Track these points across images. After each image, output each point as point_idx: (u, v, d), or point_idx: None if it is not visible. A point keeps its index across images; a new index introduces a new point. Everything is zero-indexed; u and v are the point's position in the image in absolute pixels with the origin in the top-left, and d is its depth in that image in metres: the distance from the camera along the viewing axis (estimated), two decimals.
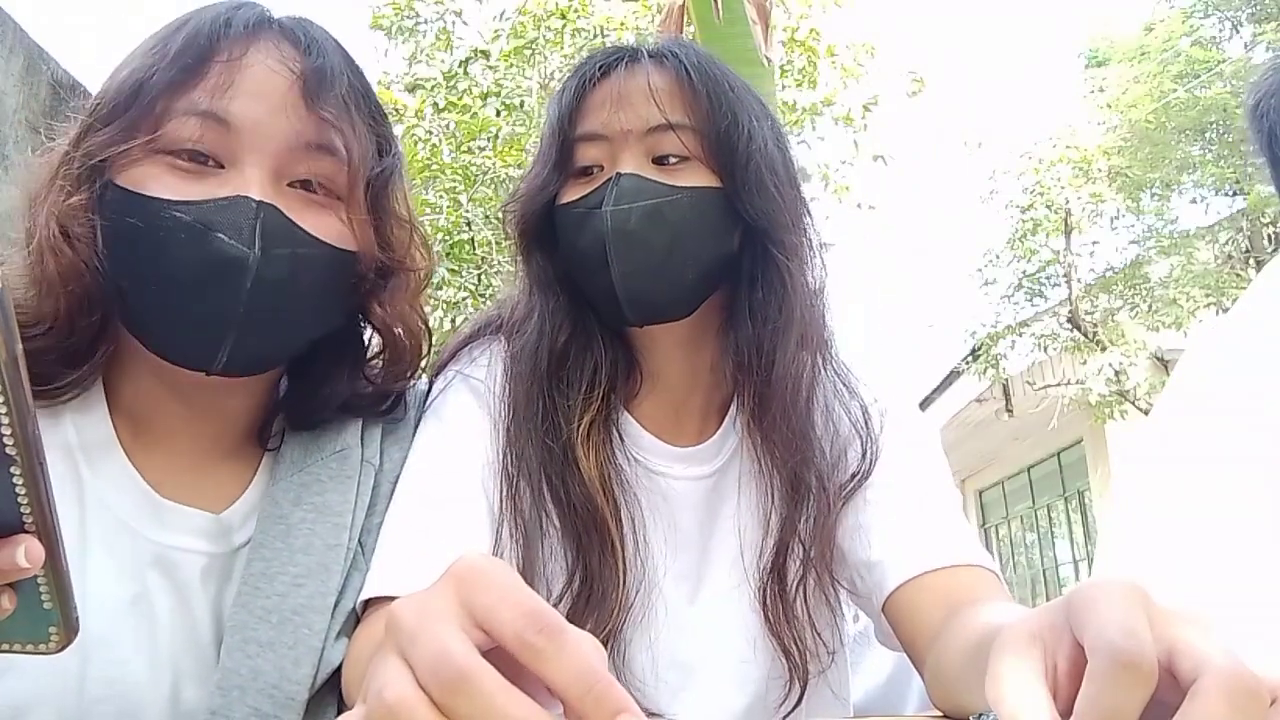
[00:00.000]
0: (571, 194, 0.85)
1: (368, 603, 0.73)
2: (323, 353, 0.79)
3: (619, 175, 0.82)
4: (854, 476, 0.85)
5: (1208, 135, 9.94)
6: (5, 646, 0.46)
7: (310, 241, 0.70)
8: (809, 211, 0.91)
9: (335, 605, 0.71)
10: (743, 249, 0.87)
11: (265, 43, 0.72)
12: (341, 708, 0.71)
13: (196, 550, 0.72)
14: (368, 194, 0.75)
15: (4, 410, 0.40)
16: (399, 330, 0.80)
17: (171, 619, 0.71)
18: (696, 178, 0.83)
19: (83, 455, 0.71)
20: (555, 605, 0.80)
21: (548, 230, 0.87)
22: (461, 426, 0.84)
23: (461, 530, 0.78)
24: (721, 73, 0.87)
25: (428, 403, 0.87)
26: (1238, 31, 10.24)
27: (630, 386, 0.90)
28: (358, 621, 0.74)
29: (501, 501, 0.83)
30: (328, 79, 0.72)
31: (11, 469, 0.41)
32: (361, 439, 0.80)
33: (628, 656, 0.84)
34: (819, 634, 0.87)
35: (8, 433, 0.40)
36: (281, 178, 0.70)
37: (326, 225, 0.71)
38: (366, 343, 0.82)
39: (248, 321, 0.67)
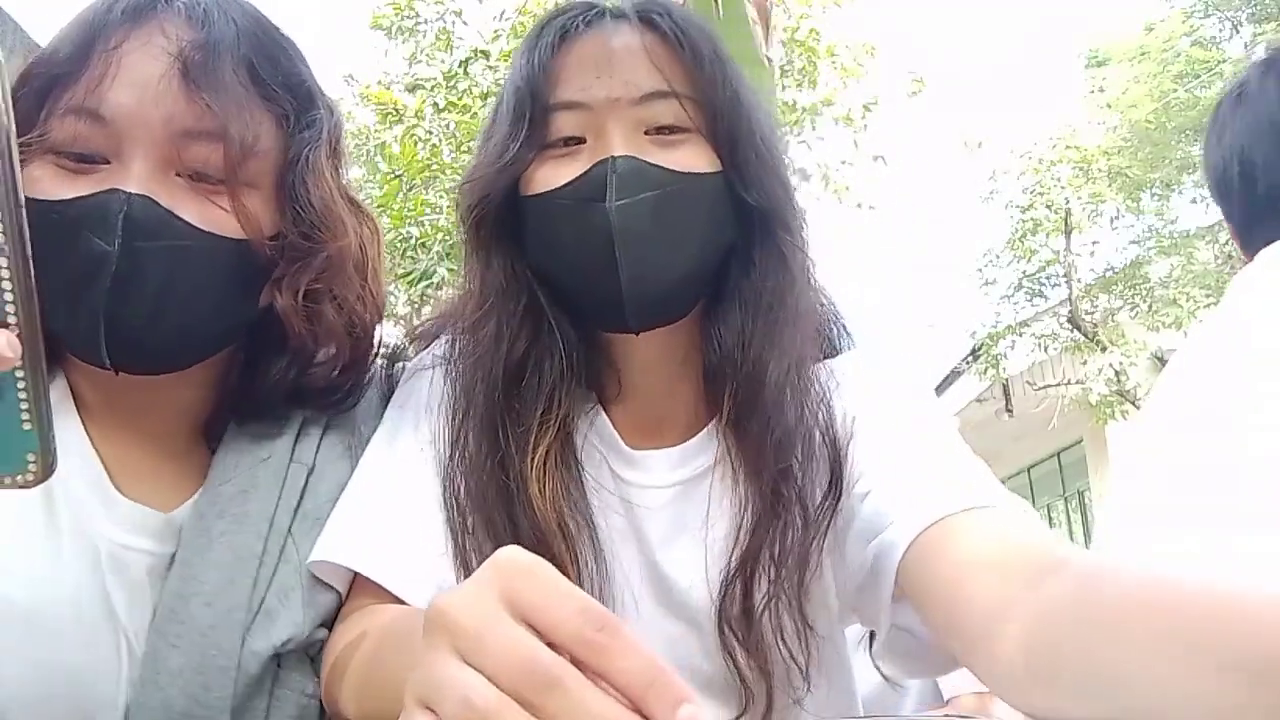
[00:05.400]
0: (550, 178, 0.73)
1: (351, 589, 0.72)
2: (262, 343, 0.76)
3: (614, 160, 0.71)
4: (825, 498, 0.76)
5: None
6: None
7: (191, 233, 0.66)
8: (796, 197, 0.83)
9: (256, 611, 0.69)
10: (741, 238, 0.78)
11: (150, 24, 0.68)
12: (274, 704, 0.70)
13: (143, 550, 0.70)
14: (282, 174, 0.72)
15: None
16: (313, 318, 0.74)
17: (129, 617, 0.69)
18: (696, 158, 0.74)
19: None
20: None
21: (510, 219, 0.76)
22: (422, 420, 0.79)
23: (420, 510, 0.75)
24: (719, 41, 0.77)
25: (395, 400, 0.83)
26: (1238, 31, 10.23)
27: (605, 390, 0.81)
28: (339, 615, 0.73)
29: (452, 532, 0.75)
30: (213, 56, 0.68)
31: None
32: (296, 439, 0.77)
33: None
34: (791, 658, 0.76)
35: None
36: (168, 167, 0.67)
37: (214, 215, 0.68)
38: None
39: (117, 317, 0.64)
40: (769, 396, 0.75)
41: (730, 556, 0.77)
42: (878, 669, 0.81)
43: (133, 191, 0.65)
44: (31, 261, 0.41)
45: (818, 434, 0.77)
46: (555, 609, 0.34)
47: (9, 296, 0.41)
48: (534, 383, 0.75)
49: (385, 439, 0.79)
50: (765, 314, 0.76)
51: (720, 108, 0.74)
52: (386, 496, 0.75)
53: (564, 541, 0.74)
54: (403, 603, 0.70)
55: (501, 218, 0.76)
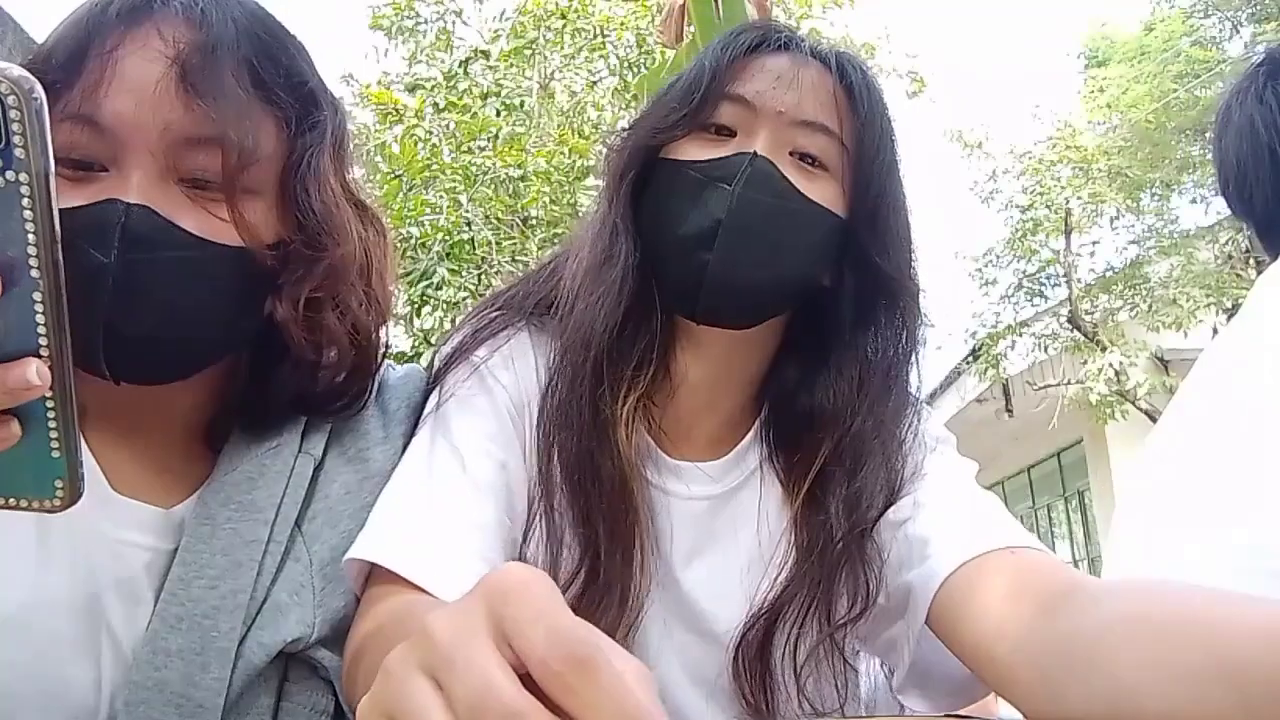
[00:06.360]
0: (694, 152, 0.77)
1: (369, 579, 0.71)
2: (265, 350, 0.75)
3: (756, 155, 0.74)
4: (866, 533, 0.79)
5: (1208, 135, 9.89)
6: (12, 502, 0.45)
7: (190, 243, 0.65)
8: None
9: (264, 601, 0.69)
10: (862, 293, 0.80)
11: (146, 25, 0.66)
12: (282, 705, 0.70)
13: (143, 545, 0.69)
14: (284, 179, 0.70)
15: (31, 229, 0.40)
16: (314, 328, 0.72)
17: (121, 619, 0.68)
18: (826, 195, 0.77)
19: None
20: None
21: (646, 178, 0.80)
22: (469, 418, 0.79)
23: (466, 507, 0.74)
24: (887, 104, 0.81)
25: (443, 387, 0.81)
26: (1238, 31, 10.23)
27: (658, 380, 0.82)
28: (358, 600, 0.72)
29: (530, 489, 0.78)
30: (212, 59, 0.65)
31: (34, 293, 0.41)
32: (304, 431, 0.76)
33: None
34: (805, 697, 0.80)
35: (33, 253, 0.40)
36: (168, 175, 0.65)
37: (214, 224, 0.66)
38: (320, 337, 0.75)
39: (116, 329, 0.63)
40: (868, 452, 0.78)
41: (765, 595, 0.79)
42: (898, 702, 0.83)
43: (131, 202, 0.63)
44: (65, 292, 0.42)
45: (891, 485, 0.80)
46: (531, 630, 0.30)
47: (41, 328, 0.42)
48: (633, 338, 0.78)
49: (429, 437, 0.78)
50: (883, 375, 0.80)
51: (869, 166, 0.77)
52: (430, 495, 0.74)
53: (640, 487, 0.77)
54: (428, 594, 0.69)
55: (641, 176, 0.80)
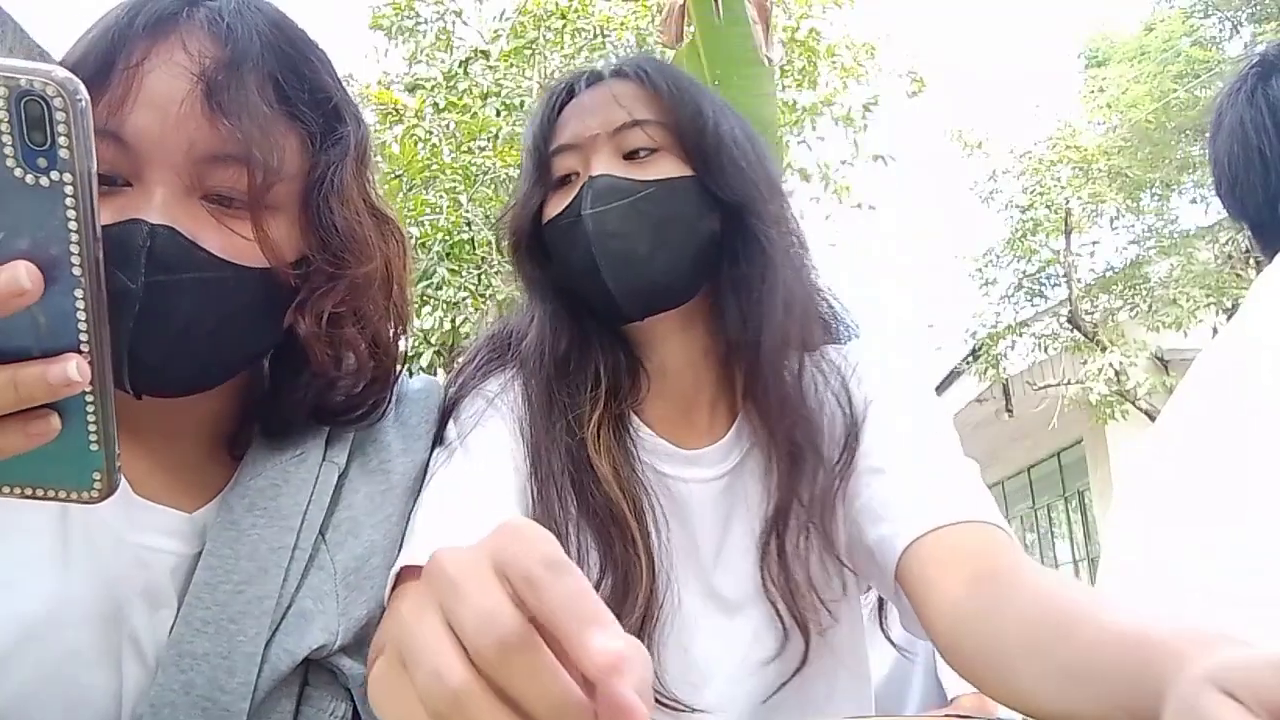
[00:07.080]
0: (554, 208, 0.87)
1: (399, 579, 0.73)
2: (284, 360, 0.75)
3: (591, 178, 0.84)
4: (842, 453, 0.87)
5: (1207, 135, 9.91)
6: (51, 493, 0.46)
7: (214, 264, 0.65)
8: (783, 193, 0.93)
9: (289, 607, 0.69)
10: (724, 231, 0.88)
11: (171, 39, 0.66)
12: (302, 710, 0.71)
13: (167, 550, 0.70)
14: (307, 194, 0.70)
15: (74, 229, 0.41)
16: (335, 343, 0.73)
17: (145, 625, 0.68)
18: (668, 168, 0.86)
19: None
20: None
21: (539, 246, 0.90)
22: (488, 438, 0.85)
23: (497, 508, 0.80)
24: (681, 74, 0.91)
25: (459, 419, 0.87)
26: (1238, 31, 10.24)
27: (636, 388, 0.90)
28: (380, 618, 0.73)
29: (533, 510, 0.84)
30: (237, 76, 0.65)
31: (75, 290, 0.42)
32: (328, 439, 0.77)
33: (661, 657, 0.84)
34: (820, 598, 0.87)
35: (75, 251, 0.41)
36: (193, 192, 0.65)
37: (237, 243, 0.66)
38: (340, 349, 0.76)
39: (140, 350, 0.63)
40: (772, 361, 0.87)
41: (765, 511, 0.87)
42: (905, 629, 0.89)
43: (155, 222, 0.63)
44: (105, 290, 0.43)
45: (830, 397, 0.89)
46: (519, 553, 0.34)
47: (82, 325, 0.43)
48: (581, 367, 0.89)
49: (449, 460, 0.83)
50: (753, 294, 0.87)
51: (684, 125, 0.86)
52: (455, 508, 0.79)
53: (626, 499, 0.85)
54: None
55: (530, 244, 0.91)
